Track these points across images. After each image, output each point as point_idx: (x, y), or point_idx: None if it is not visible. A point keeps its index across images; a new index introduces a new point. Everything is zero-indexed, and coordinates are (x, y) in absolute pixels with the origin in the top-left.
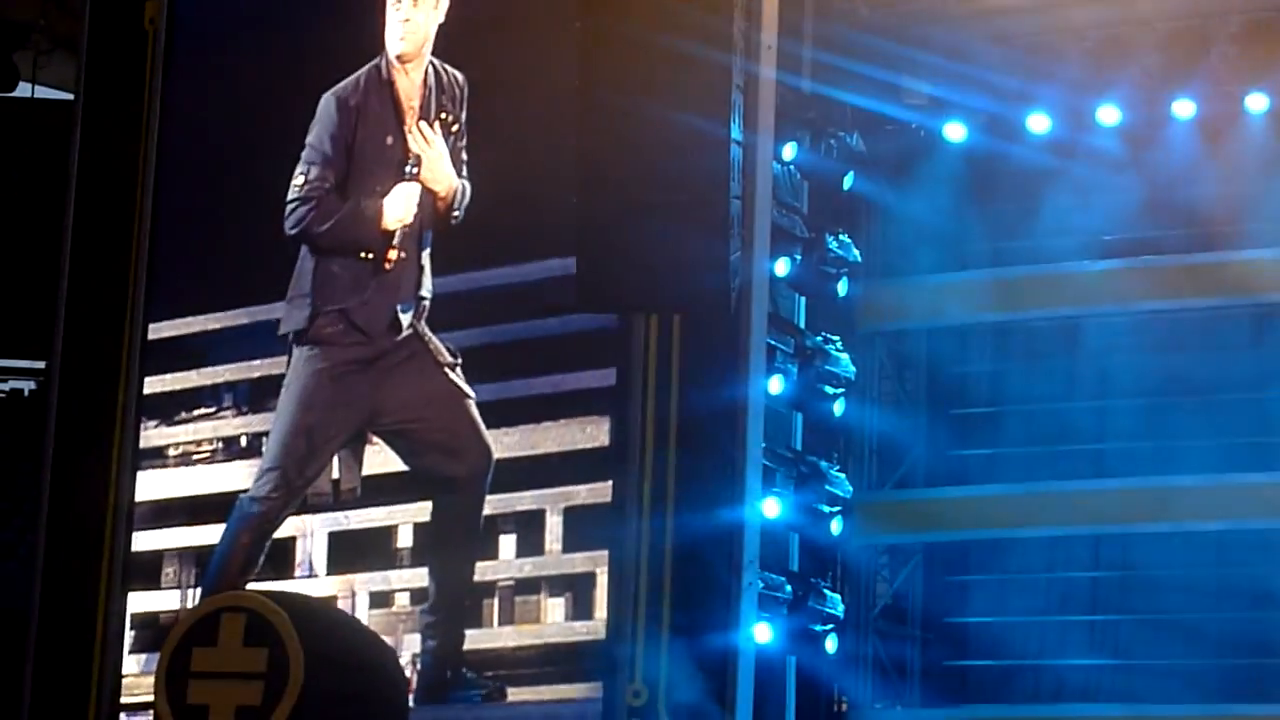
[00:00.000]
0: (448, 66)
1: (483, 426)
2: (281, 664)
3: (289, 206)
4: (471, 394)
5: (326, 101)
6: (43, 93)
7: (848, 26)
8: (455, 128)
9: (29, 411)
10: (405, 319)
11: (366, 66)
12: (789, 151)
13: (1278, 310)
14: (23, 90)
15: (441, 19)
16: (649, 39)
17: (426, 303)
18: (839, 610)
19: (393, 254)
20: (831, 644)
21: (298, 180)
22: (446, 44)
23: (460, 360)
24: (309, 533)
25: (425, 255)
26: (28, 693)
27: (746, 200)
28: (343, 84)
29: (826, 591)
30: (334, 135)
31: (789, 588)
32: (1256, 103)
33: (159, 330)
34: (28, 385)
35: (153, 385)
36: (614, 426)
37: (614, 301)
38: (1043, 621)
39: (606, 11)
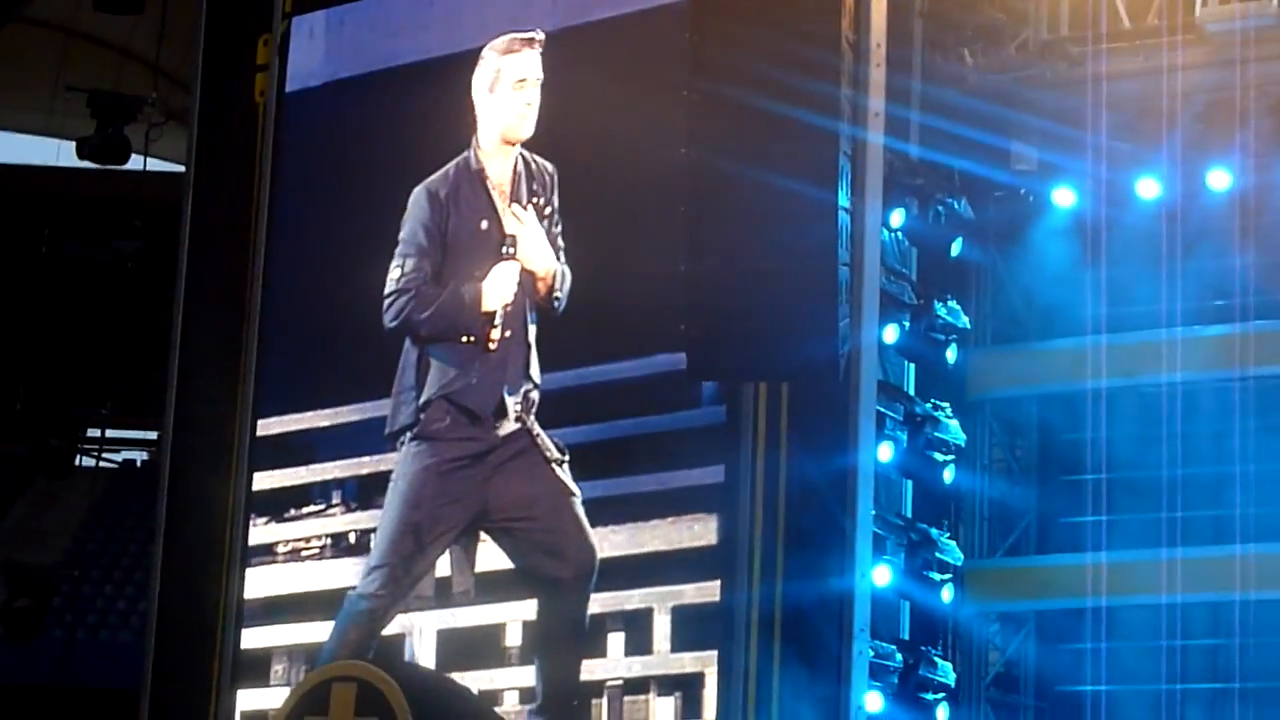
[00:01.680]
0: (536, 157)
1: (588, 526)
2: None
3: (387, 300)
4: (577, 492)
5: (417, 194)
6: (155, 165)
7: (956, 91)
8: (548, 211)
9: (141, 483)
10: (512, 404)
11: (456, 159)
12: (897, 218)
13: None
14: (135, 163)
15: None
16: (757, 106)
17: (535, 394)
18: (950, 679)
19: (495, 333)
20: (943, 713)
21: (394, 273)
22: (547, 128)
23: (568, 457)
24: (418, 630)
25: (531, 337)
26: None
27: (855, 267)
28: (432, 177)
29: (938, 659)
30: (427, 226)
31: (900, 656)
32: None
33: (268, 426)
34: (140, 456)
35: (262, 481)
36: (722, 524)
37: (723, 371)
38: (1159, 690)
39: (715, 79)
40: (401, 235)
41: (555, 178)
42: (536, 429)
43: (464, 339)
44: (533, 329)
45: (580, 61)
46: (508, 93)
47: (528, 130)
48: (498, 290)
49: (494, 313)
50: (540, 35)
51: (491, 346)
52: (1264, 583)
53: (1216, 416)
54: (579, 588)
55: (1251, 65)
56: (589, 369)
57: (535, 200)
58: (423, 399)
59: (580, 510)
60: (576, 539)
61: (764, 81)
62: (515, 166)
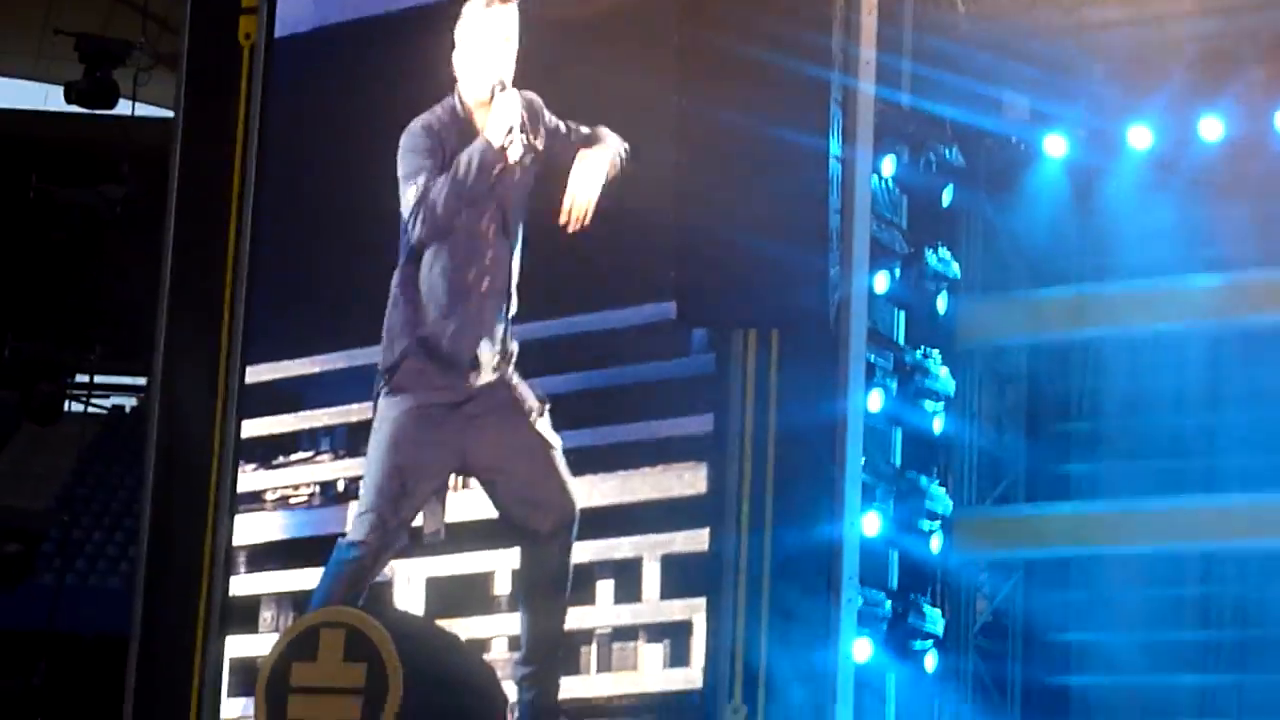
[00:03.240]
0: (522, 92)
1: (568, 478)
2: (381, 679)
3: (409, 221)
4: (557, 444)
5: (411, 128)
6: (143, 110)
7: (947, 40)
8: (539, 146)
9: (130, 428)
10: (490, 354)
11: (444, 101)
12: (888, 166)
13: None
14: (123, 108)
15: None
16: (747, 54)
17: (515, 345)
18: (939, 627)
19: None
20: (931, 661)
21: (409, 195)
22: (532, 74)
23: (549, 407)
24: (407, 577)
25: (514, 287)
26: None
27: (846, 215)
28: (422, 116)
29: (926, 608)
30: (430, 148)
31: (888, 604)
32: None
33: (257, 373)
34: (129, 402)
35: (251, 428)
36: (711, 472)
37: (713, 318)
38: (1148, 639)
39: (704, 27)
40: (402, 171)
41: (542, 104)
42: (515, 380)
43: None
44: (515, 279)
45: (571, 9)
46: (488, 43)
47: (507, 75)
48: (501, 119)
49: (504, 148)
50: None
51: (481, 289)
52: (1253, 531)
53: (1207, 366)
54: (560, 538)
55: (1245, 13)
56: (578, 317)
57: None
58: (403, 345)
59: (561, 462)
60: (556, 491)
61: (755, 29)
62: (500, 107)
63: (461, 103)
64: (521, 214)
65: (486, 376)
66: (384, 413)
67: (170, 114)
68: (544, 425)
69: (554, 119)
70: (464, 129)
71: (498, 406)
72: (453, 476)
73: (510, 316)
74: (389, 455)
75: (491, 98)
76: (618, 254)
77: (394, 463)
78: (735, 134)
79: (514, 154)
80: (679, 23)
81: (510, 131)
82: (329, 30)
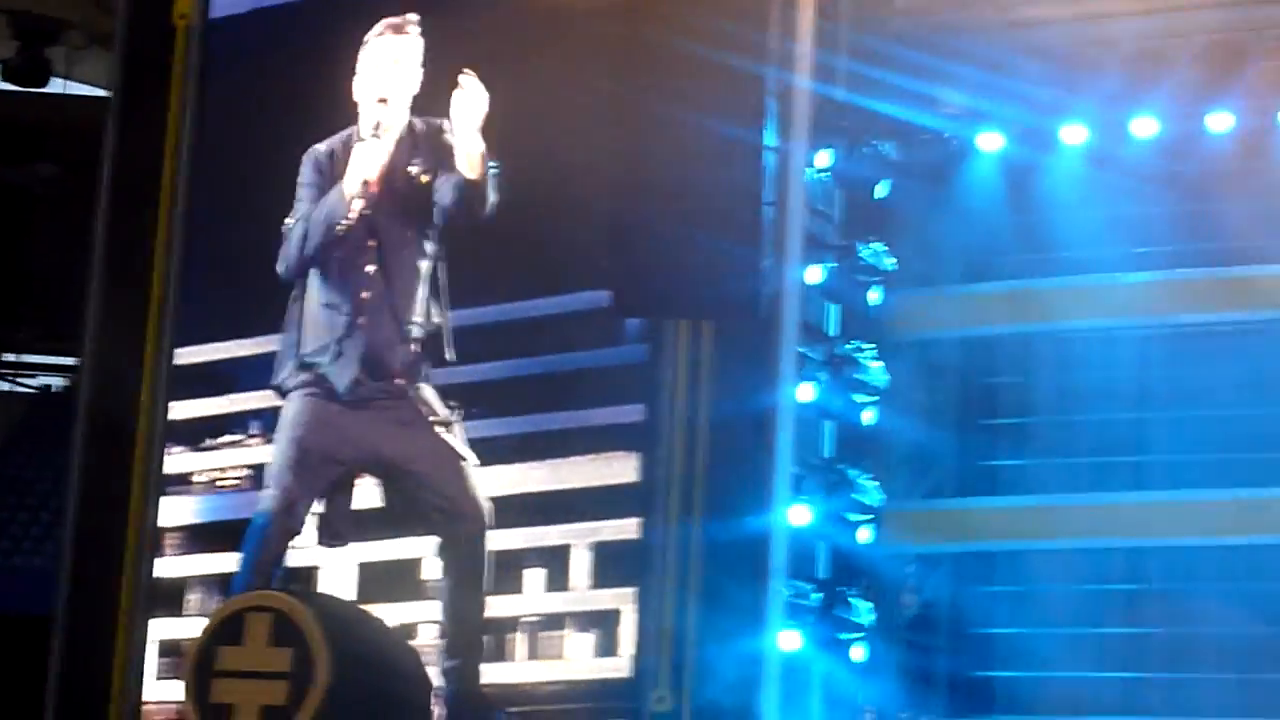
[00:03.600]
0: (430, 118)
1: (479, 491)
2: (307, 663)
3: (290, 249)
4: (469, 457)
5: (308, 155)
6: (76, 89)
7: (883, 37)
8: (425, 179)
9: (58, 408)
10: (389, 366)
11: (344, 132)
12: (823, 159)
13: None
14: (56, 86)
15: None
16: (684, 48)
17: (418, 347)
18: (868, 620)
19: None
20: (859, 652)
21: (293, 215)
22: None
23: (459, 417)
24: (336, 562)
25: (425, 283)
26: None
27: (780, 208)
28: (323, 143)
29: (855, 600)
30: (316, 181)
31: (817, 595)
32: None
33: (188, 355)
34: (57, 381)
35: (181, 410)
36: (642, 462)
37: (647, 308)
38: (1074, 634)
39: (641, 20)
40: (297, 195)
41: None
42: (423, 393)
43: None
44: (424, 272)
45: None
46: (379, 75)
47: (400, 107)
48: (358, 170)
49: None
50: (415, 19)
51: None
52: (1178, 528)
53: (1138, 363)
54: (473, 540)
55: (1182, 13)
56: (510, 305)
57: (410, 168)
58: (289, 369)
59: (471, 474)
60: (466, 497)
61: (691, 23)
62: (361, 158)
63: (356, 132)
64: (431, 226)
65: (389, 387)
66: (290, 402)
67: (103, 93)
68: (455, 438)
69: (447, 139)
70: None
71: (400, 413)
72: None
73: (415, 334)
74: (293, 438)
75: (378, 128)
76: (551, 242)
77: (299, 443)
78: (670, 126)
79: (383, 191)
80: (617, 16)
81: (383, 167)
82: (266, 12)
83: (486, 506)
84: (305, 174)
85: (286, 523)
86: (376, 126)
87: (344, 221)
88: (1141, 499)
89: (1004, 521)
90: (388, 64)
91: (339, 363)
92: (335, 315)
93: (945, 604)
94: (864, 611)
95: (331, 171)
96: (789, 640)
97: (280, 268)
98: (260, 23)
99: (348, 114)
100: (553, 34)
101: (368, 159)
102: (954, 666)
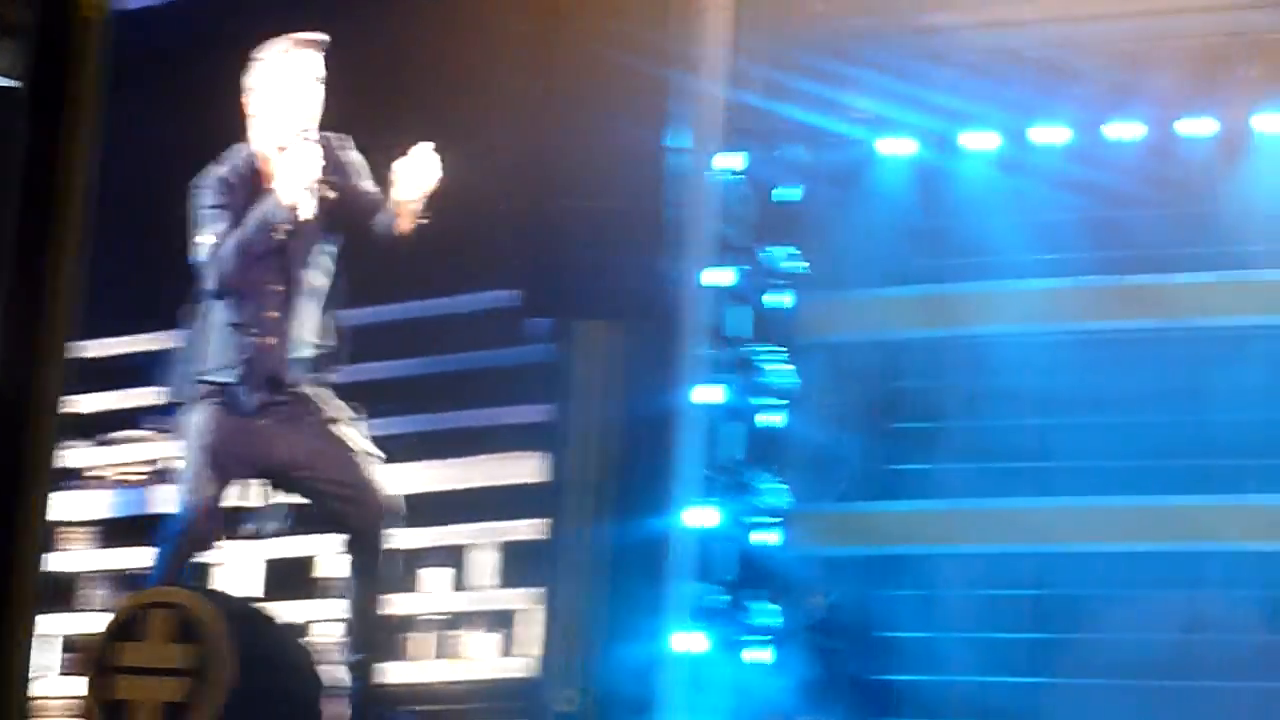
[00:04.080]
0: (330, 135)
1: (381, 487)
2: (210, 660)
3: (201, 272)
4: (376, 453)
5: (204, 180)
6: None
7: (794, 42)
8: (333, 195)
9: None
10: (289, 380)
11: (240, 150)
12: (733, 162)
13: (1214, 334)
14: None
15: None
16: (593, 49)
17: (310, 354)
18: (776, 622)
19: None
20: (766, 655)
21: (200, 247)
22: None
23: (364, 416)
24: (241, 558)
25: (319, 295)
26: None
27: (689, 210)
28: (217, 168)
29: (762, 603)
30: (221, 204)
31: (724, 598)
32: (1198, 126)
33: (89, 348)
34: None
35: (83, 404)
36: (549, 462)
37: (555, 308)
38: (980, 640)
39: (547, 20)
40: (196, 220)
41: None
42: (321, 395)
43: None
44: (325, 288)
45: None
46: (290, 89)
47: (311, 120)
48: (295, 173)
49: (295, 206)
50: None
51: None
52: (1082, 534)
53: (1045, 370)
54: (375, 536)
55: (1088, 22)
56: (416, 303)
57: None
58: (187, 385)
59: (376, 472)
60: (370, 498)
61: (598, 24)
62: (296, 159)
63: (257, 152)
64: (336, 242)
65: (286, 396)
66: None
67: (11, 83)
68: (355, 434)
69: (351, 155)
70: (257, 181)
71: (305, 416)
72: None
73: (316, 349)
74: (200, 440)
75: (289, 147)
76: (457, 240)
77: (205, 443)
78: (577, 126)
79: (305, 211)
80: (525, 16)
81: (303, 187)
82: (181, 3)
83: (392, 504)
84: (208, 198)
85: (198, 525)
86: (303, 133)
87: (284, 227)
88: (1046, 505)
89: (910, 525)
90: (294, 76)
91: (244, 381)
92: (238, 333)
93: (852, 608)
94: (772, 615)
95: (242, 188)
96: (695, 642)
97: (210, 284)
98: (173, 16)
99: (241, 123)
100: (461, 34)
101: (305, 160)
102: (859, 670)
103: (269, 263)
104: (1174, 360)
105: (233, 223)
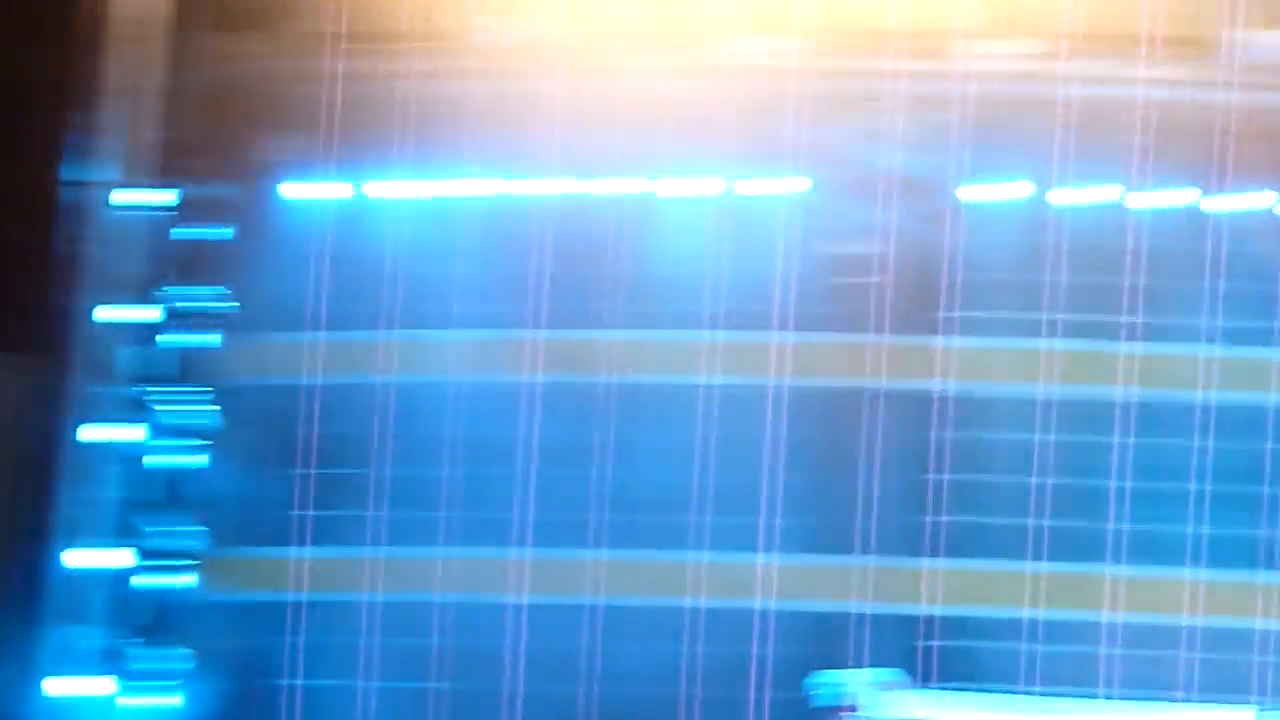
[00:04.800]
0: None
1: None
2: None
3: None
4: None
5: None
6: None
7: (203, 82)
8: None
9: None
10: None
11: None
12: (150, 198)
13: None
14: None
15: None
16: None
17: None
18: (185, 665)
19: None
20: (174, 699)
21: None
22: None
23: None
24: None
25: None
26: None
27: (95, 246)
28: None
29: (170, 647)
30: None
31: (129, 642)
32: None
33: None
34: None
35: None
36: None
37: None
38: (387, 687)
39: None
40: None
41: None
42: None
43: None
44: None
45: None
46: None
47: None
48: None
49: None
50: None
51: None
52: (475, 586)
53: (471, 419)
54: None
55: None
56: None
57: None
58: None
59: None
60: None
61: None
62: None
63: None
64: None
65: None
66: None
67: None
68: None
69: None
70: None
71: None
72: None
73: None
74: None
75: None
76: None
77: None
78: None
79: None
80: None
81: None
82: None
83: None
84: None
85: None
86: None
87: None
88: (443, 554)
89: (323, 571)
90: None
91: None
92: None
93: (260, 651)
94: (180, 658)
95: None
96: (104, 686)
97: None
98: None
99: None
100: None
101: None
102: (265, 718)
103: None
104: (587, 414)
105: None
